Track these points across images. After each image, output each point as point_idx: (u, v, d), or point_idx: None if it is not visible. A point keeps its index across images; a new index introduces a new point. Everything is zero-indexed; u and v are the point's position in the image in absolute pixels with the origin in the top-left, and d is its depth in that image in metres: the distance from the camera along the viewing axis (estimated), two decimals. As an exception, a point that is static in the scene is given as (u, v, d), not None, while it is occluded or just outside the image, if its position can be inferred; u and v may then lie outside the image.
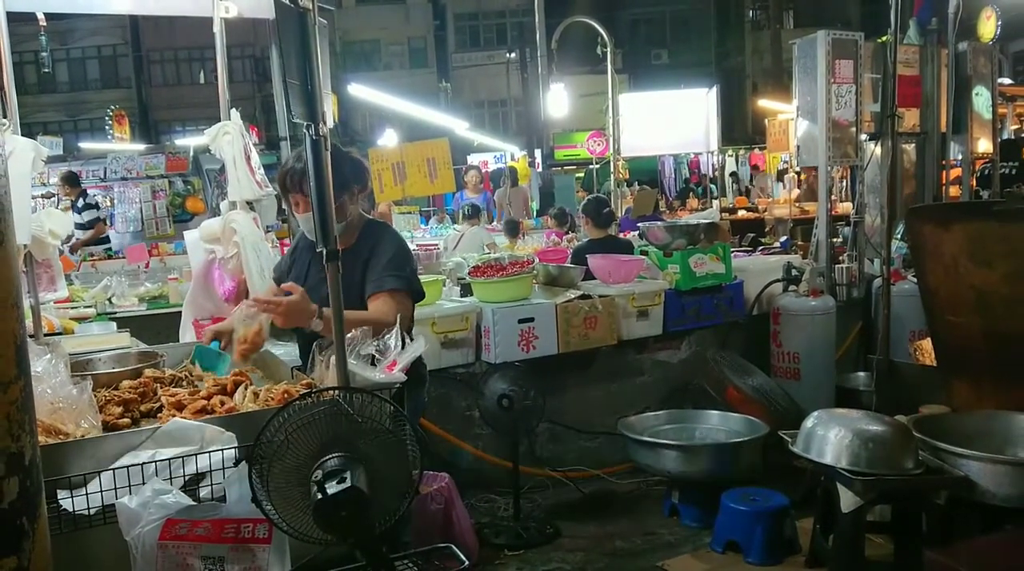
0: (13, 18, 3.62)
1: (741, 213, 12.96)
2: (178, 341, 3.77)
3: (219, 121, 3.90)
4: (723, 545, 3.68)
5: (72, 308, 5.10)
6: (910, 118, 5.98)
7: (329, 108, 2.20)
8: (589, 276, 4.94)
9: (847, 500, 3.05)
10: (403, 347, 2.41)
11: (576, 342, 4.53)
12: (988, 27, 7.61)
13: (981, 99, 6.30)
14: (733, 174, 16.93)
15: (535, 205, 14.68)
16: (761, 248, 7.41)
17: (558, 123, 17.86)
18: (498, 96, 28.72)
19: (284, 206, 3.38)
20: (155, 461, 1.99)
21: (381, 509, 1.86)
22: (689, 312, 4.96)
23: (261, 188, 3.80)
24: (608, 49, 8.98)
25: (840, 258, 5.67)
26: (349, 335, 2.28)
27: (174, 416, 2.22)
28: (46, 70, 19.60)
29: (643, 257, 5.16)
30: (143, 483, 1.96)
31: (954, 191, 6.49)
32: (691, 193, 15.48)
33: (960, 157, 6.39)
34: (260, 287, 3.55)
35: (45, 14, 9.58)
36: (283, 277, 3.10)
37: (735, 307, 5.14)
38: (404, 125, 17.61)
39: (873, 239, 5.71)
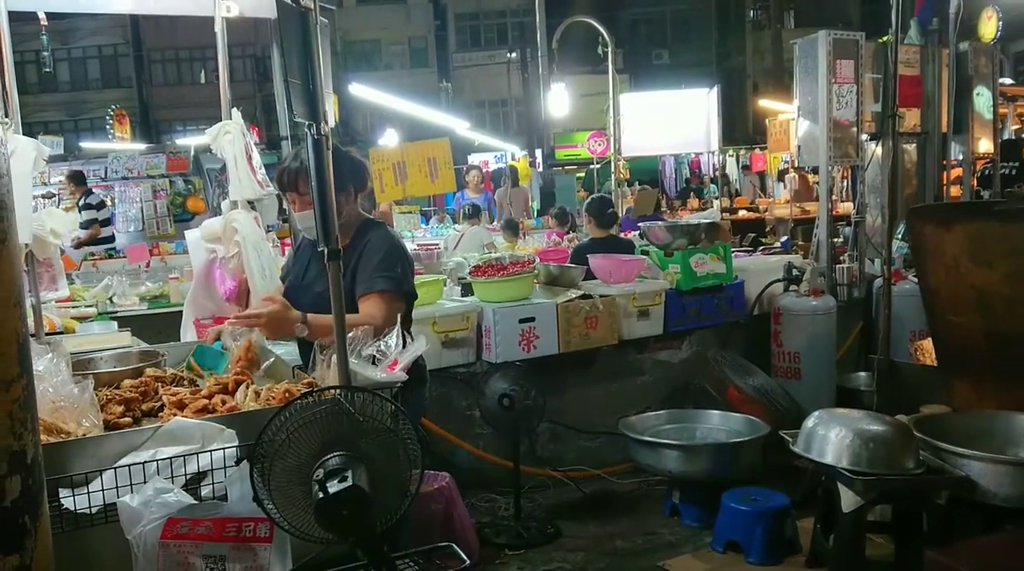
0: (14, 17, 3.62)
1: (742, 213, 12.96)
2: (179, 340, 3.77)
3: (220, 120, 3.90)
4: (724, 545, 3.68)
5: (73, 307, 5.11)
6: (911, 118, 5.98)
7: (330, 107, 2.20)
8: (590, 276, 4.94)
9: (848, 500, 3.05)
10: (404, 346, 2.41)
11: (577, 342, 4.53)
12: (989, 27, 7.62)
13: (982, 99, 6.30)
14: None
15: (536, 205, 14.70)
16: (762, 248, 7.41)
17: (559, 123, 17.86)
18: (499, 96, 28.73)
19: (285, 206, 3.38)
20: (156, 460, 1.99)
21: (382, 508, 1.86)
22: (690, 312, 4.96)
23: (262, 187, 3.80)
24: (609, 49, 8.98)
25: (841, 258, 5.67)
26: (350, 335, 2.28)
27: (175, 415, 2.22)
28: (47, 70, 19.64)
29: (644, 257, 5.16)
30: (144, 482, 1.96)
31: (955, 191, 6.49)
32: (691, 193, 15.49)
33: (961, 157, 6.39)
34: (261, 286, 3.55)
35: (46, 13, 9.61)
36: (286, 276, 3.12)
37: (736, 307, 5.14)
38: (405, 125, 17.61)
39: (874, 239, 5.71)
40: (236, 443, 2.05)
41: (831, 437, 3.13)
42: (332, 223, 2.15)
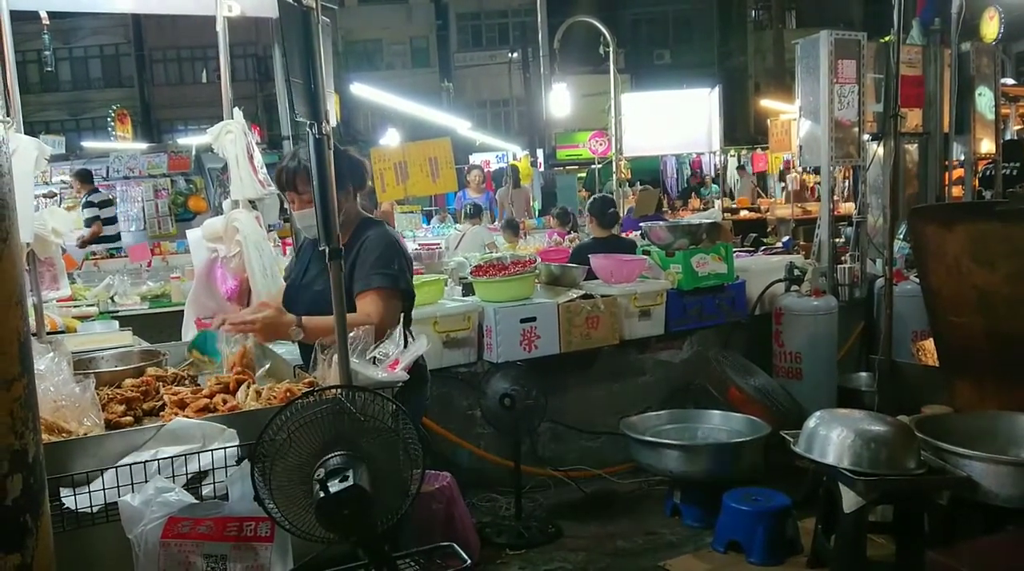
0: (16, 17, 3.62)
1: (743, 213, 12.96)
2: (180, 340, 3.76)
3: (221, 120, 3.90)
4: (725, 545, 3.68)
5: (75, 306, 5.11)
6: (913, 118, 5.97)
7: (332, 107, 2.20)
8: (591, 276, 4.94)
9: (849, 500, 3.05)
10: (405, 346, 2.42)
11: (578, 342, 4.53)
12: (991, 27, 7.62)
13: (984, 99, 6.29)
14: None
15: (537, 205, 14.69)
16: (763, 248, 7.40)
17: (560, 123, 17.84)
18: (500, 96, 28.73)
19: (286, 205, 3.39)
20: (157, 459, 1.99)
21: (383, 508, 1.86)
22: (691, 312, 4.96)
23: (263, 187, 3.79)
24: (610, 49, 8.98)
25: (842, 258, 5.66)
26: (351, 335, 2.28)
27: (176, 414, 2.22)
28: (49, 69, 19.63)
29: (645, 257, 5.16)
30: (145, 481, 1.96)
31: (957, 191, 6.48)
32: (693, 193, 15.48)
33: (963, 157, 6.38)
34: (262, 286, 3.55)
35: (48, 13, 9.62)
36: (288, 275, 3.13)
37: (737, 307, 5.14)
38: (406, 125, 17.62)
39: (875, 239, 5.71)
40: (237, 442, 2.05)
41: (832, 437, 3.13)
42: (333, 222, 2.15)
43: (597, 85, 13.40)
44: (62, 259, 3.82)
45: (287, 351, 3.08)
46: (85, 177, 9.62)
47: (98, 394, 2.30)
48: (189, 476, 2.01)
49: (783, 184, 14.16)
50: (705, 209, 12.58)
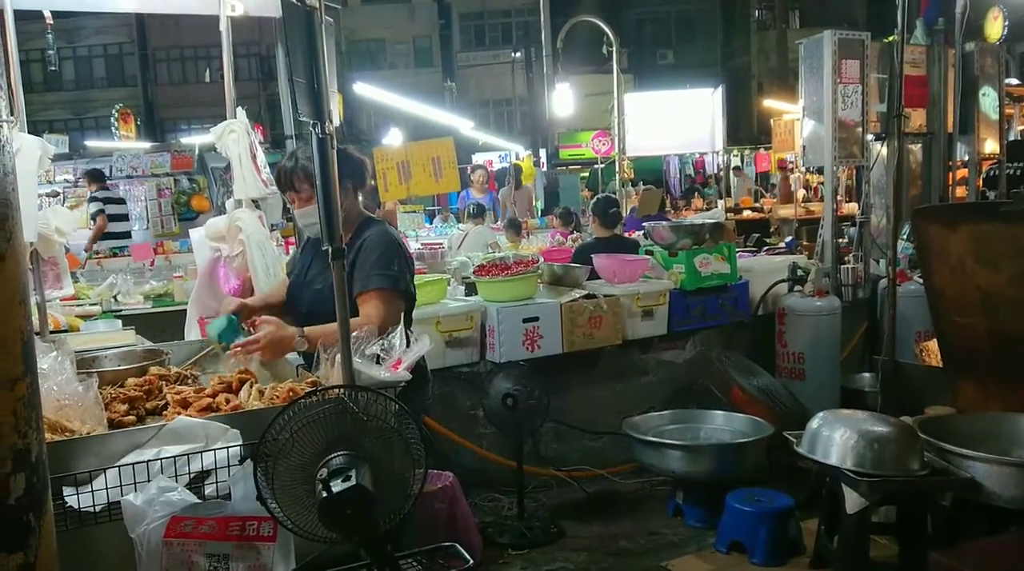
0: (20, 16, 3.63)
1: (746, 213, 12.94)
2: (183, 339, 3.77)
3: (225, 119, 3.91)
4: (727, 545, 3.68)
5: (78, 305, 5.12)
6: (916, 118, 5.96)
7: (335, 106, 2.20)
8: (594, 275, 4.94)
9: (852, 501, 3.04)
10: (408, 345, 2.42)
11: (581, 342, 4.53)
12: (995, 27, 7.61)
13: (988, 100, 6.28)
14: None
15: (540, 204, 14.68)
16: (766, 248, 7.40)
17: (563, 123, 17.83)
18: (503, 95, 28.74)
19: (288, 205, 3.39)
20: (160, 459, 1.99)
21: (386, 507, 1.86)
22: (694, 312, 4.95)
23: (266, 186, 3.80)
24: (614, 49, 8.97)
25: (846, 258, 5.65)
26: (354, 334, 2.28)
27: (179, 414, 2.23)
28: (52, 68, 19.62)
29: (648, 257, 5.15)
30: (148, 480, 1.96)
31: (960, 192, 6.47)
32: (696, 193, 15.46)
33: (967, 158, 6.37)
34: (265, 285, 3.56)
35: (52, 12, 9.63)
36: (291, 272, 3.14)
37: (740, 307, 5.14)
38: (409, 124, 17.63)
39: (879, 240, 5.70)
40: (240, 442, 2.06)
41: (835, 438, 3.12)
42: (336, 222, 2.15)
43: (600, 85, 13.38)
44: (65, 258, 3.83)
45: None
46: (96, 176, 9.67)
47: (101, 393, 2.30)
48: (192, 475, 2.01)
49: (774, 183, 14.13)
50: (708, 209, 12.57)
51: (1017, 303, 3.58)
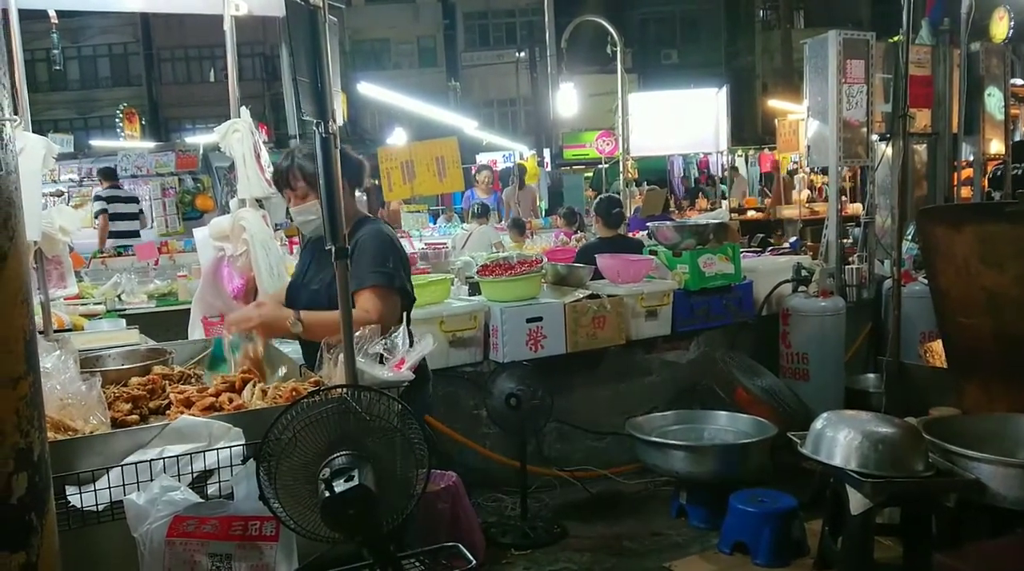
0: (25, 15, 3.63)
1: (750, 213, 12.92)
2: (187, 338, 3.77)
3: (229, 119, 3.91)
4: (731, 546, 3.67)
5: (82, 305, 5.13)
6: (921, 118, 5.95)
7: (339, 106, 2.20)
8: (598, 276, 4.93)
9: (856, 502, 3.03)
10: (411, 345, 2.41)
11: (584, 342, 4.52)
12: (1000, 28, 7.57)
13: (993, 100, 6.26)
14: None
15: (544, 204, 14.68)
16: (770, 248, 7.39)
17: (567, 123, 17.82)
18: (507, 95, 28.72)
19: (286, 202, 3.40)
20: (163, 458, 1.99)
21: (389, 507, 1.85)
22: (698, 312, 4.95)
23: (270, 186, 3.79)
24: (618, 49, 8.95)
25: (850, 259, 5.64)
26: (357, 334, 2.28)
27: (182, 413, 2.23)
28: (57, 68, 19.73)
29: (652, 257, 5.14)
30: (151, 480, 1.96)
31: (965, 192, 6.45)
32: (700, 193, 15.45)
33: (972, 158, 6.35)
34: (268, 285, 3.56)
35: (57, 12, 9.65)
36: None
37: (744, 307, 5.13)
38: (413, 124, 17.63)
39: (883, 240, 5.69)
40: (243, 441, 2.05)
41: (840, 439, 3.11)
42: (339, 222, 2.15)
43: (604, 85, 13.37)
44: (69, 257, 3.83)
45: (292, 349, 3.09)
46: (108, 174, 9.73)
47: (104, 392, 2.31)
48: (194, 475, 2.01)
49: (771, 184, 14.10)
50: (712, 209, 12.55)
51: (1022, 304, 3.56)
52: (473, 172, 10.59)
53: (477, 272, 4.82)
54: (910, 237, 5.45)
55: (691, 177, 17.71)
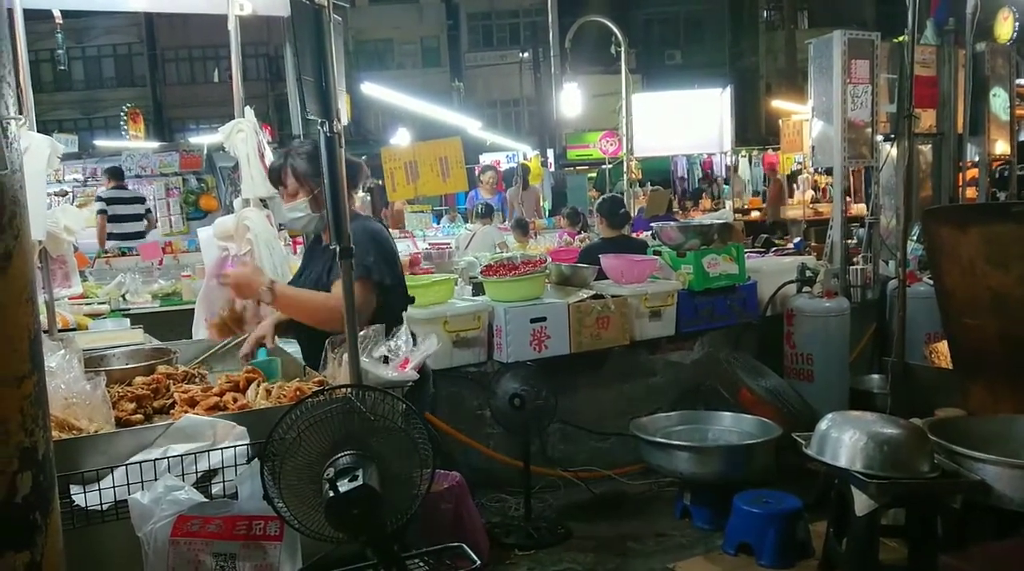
0: (30, 16, 3.64)
1: (755, 214, 12.91)
2: (191, 338, 3.78)
3: (233, 119, 3.92)
4: (735, 547, 3.66)
5: (86, 304, 5.14)
6: (927, 119, 5.93)
7: (343, 106, 2.20)
8: (602, 276, 4.92)
9: (861, 503, 3.02)
10: (415, 345, 2.41)
11: (588, 342, 4.52)
12: (1005, 28, 7.55)
13: (999, 100, 6.24)
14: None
15: (547, 205, 14.67)
16: (774, 249, 7.38)
17: (571, 123, 17.83)
18: (511, 96, 28.73)
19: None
20: (167, 457, 1.99)
21: (393, 507, 1.85)
22: (702, 313, 4.93)
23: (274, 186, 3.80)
24: (622, 49, 8.95)
25: (855, 259, 5.63)
26: (361, 333, 2.28)
27: (186, 412, 2.23)
28: (62, 68, 19.76)
29: (656, 257, 5.14)
30: (155, 479, 1.96)
31: (970, 192, 6.43)
32: (702, 193, 15.44)
33: (977, 158, 6.33)
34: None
35: (61, 12, 9.67)
36: None
37: (748, 308, 5.11)
38: (417, 124, 17.64)
39: (888, 241, 5.67)
40: (247, 441, 2.05)
41: (845, 440, 3.10)
42: (344, 221, 2.15)
43: (608, 85, 13.37)
44: (74, 257, 3.84)
45: (296, 349, 3.09)
46: (113, 174, 9.74)
47: (108, 392, 2.31)
48: (199, 474, 2.01)
49: (796, 185, 14.08)
50: (716, 210, 12.54)
51: (1028, 305, 3.55)
52: (477, 173, 10.58)
53: (481, 272, 4.81)
54: (915, 238, 5.43)
55: (694, 177, 17.70)
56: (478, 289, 4.91)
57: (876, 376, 5.18)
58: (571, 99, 9.47)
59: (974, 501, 3.07)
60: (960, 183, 6.18)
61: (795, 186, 14.20)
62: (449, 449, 4.27)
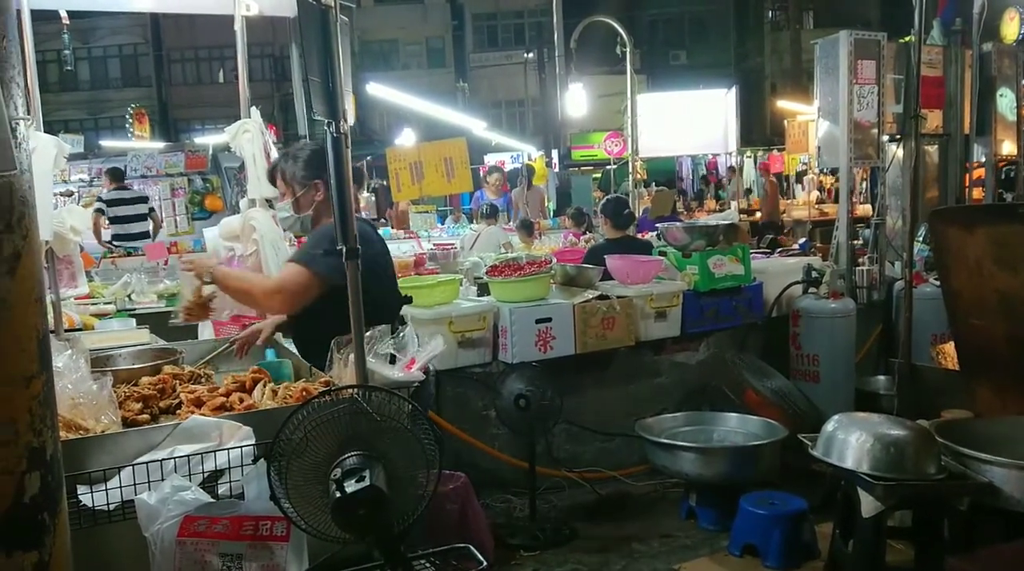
0: (36, 16, 3.65)
1: (758, 214, 12.89)
2: (197, 338, 3.79)
3: (238, 120, 3.92)
4: (741, 549, 3.65)
5: (92, 304, 5.15)
6: (933, 119, 5.91)
7: (350, 106, 2.21)
8: (607, 276, 4.92)
9: (868, 505, 3.01)
10: (419, 345, 2.41)
11: (593, 343, 4.51)
12: (1011, 28, 7.52)
13: (1005, 101, 6.22)
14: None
15: (552, 205, 14.67)
16: (779, 250, 7.36)
17: (575, 123, 17.82)
18: (515, 96, 28.73)
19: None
20: (174, 457, 1.99)
21: (399, 508, 1.85)
22: (707, 313, 4.93)
23: (280, 186, 3.81)
24: (627, 49, 8.94)
25: (860, 260, 5.61)
26: (368, 333, 2.28)
27: (193, 412, 2.23)
28: (68, 68, 19.82)
29: (662, 258, 5.13)
30: (162, 479, 1.96)
31: (977, 193, 6.41)
32: (707, 194, 15.44)
33: (983, 159, 6.31)
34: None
35: (68, 13, 9.70)
36: None
37: (754, 309, 5.10)
38: (422, 125, 17.64)
39: (894, 241, 5.65)
40: (253, 441, 2.06)
41: (851, 441, 3.09)
42: (350, 221, 2.15)
43: (613, 85, 13.36)
44: (80, 257, 3.85)
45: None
46: (114, 175, 9.75)
47: (115, 392, 2.31)
48: (205, 474, 2.01)
49: (801, 185, 14.05)
50: (721, 210, 12.53)
51: (1035, 306, 3.54)
52: (483, 174, 10.60)
53: (486, 273, 4.81)
54: (921, 239, 5.41)
55: (697, 178, 17.69)
56: (483, 289, 4.91)
57: (882, 377, 5.16)
58: (576, 99, 9.46)
59: (981, 503, 3.05)
60: (967, 184, 6.16)
61: (800, 186, 14.18)
62: (454, 449, 4.27)
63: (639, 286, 4.78)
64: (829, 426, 3.25)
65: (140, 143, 14.16)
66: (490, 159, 17.11)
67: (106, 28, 29.54)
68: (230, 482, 2.03)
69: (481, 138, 16.61)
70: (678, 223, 5.68)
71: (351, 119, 2.20)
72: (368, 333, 2.28)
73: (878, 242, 5.62)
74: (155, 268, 6.92)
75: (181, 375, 2.62)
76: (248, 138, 3.83)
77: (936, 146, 6.13)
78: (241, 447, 2.04)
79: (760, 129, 26.07)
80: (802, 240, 8.49)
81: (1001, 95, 6.17)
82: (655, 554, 3.81)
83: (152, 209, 10.08)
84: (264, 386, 2.44)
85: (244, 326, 3.39)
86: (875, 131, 5.43)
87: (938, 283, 4.34)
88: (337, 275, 2.90)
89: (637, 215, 7.87)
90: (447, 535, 3.18)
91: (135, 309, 5.35)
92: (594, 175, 19.57)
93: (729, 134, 9.62)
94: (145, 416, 2.33)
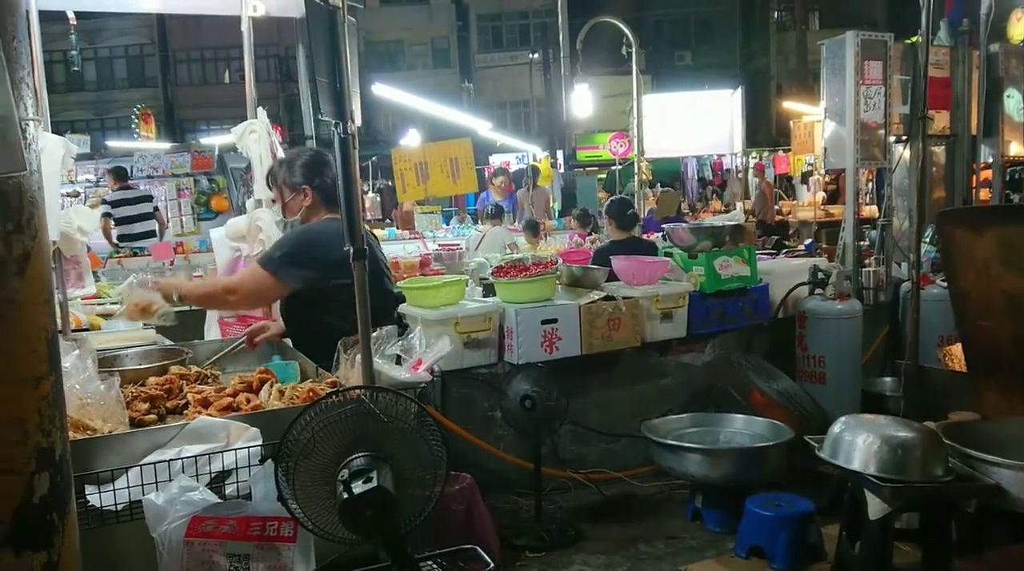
0: (43, 17, 3.66)
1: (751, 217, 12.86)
2: (203, 338, 3.79)
3: (243, 120, 3.93)
4: (747, 550, 3.64)
5: (99, 304, 5.15)
6: (940, 120, 5.89)
7: (357, 106, 2.21)
8: (613, 277, 4.91)
9: (875, 507, 3.00)
10: (425, 346, 2.41)
11: (599, 344, 4.50)
12: (1018, 29, 7.50)
13: (1013, 102, 6.20)
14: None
15: (557, 206, 14.67)
16: (785, 251, 7.35)
17: (580, 124, 17.78)
18: (521, 97, 28.74)
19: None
20: (181, 458, 2.00)
21: (406, 509, 1.85)
22: (713, 315, 4.92)
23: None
24: (633, 50, 8.94)
25: (867, 261, 5.60)
26: (374, 334, 2.28)
27: (200, 413, 2.23)
28: (75, 69, 19.87)
29: (667, 259, 5.12)
30: (169, 480, 1.96)
31: (984, 194, 6.39)
32: (713, 194, 15.42)
33: (991, 160, 6.30)
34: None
35: (75, 13, 9.73)
36: None
37: (760, 310, 5.09)
38: (427, 125, 17.66)
39: (901, 243, 5.64)
40: (260, 442, 2.06)
41: (858, 443, 3.08)
42: (357, 222, 2.15)
43: (618, 86, 13.37)
44: (87, 257, 3.86)
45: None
46: (117, 175, 9.77)
47: (122, 392, 2.32)
48: (213, 475, 2.01)
49: (806, 186, 14.02)
50: (726, 211, 12.51)
51: (1043, 308, 3.53)
52: (488, 175, 10.60)
53: (492, 273, 4.81)
54: (928, 240, 5.40)
55: (703, 178, 17.67)
56: (489, 290, 4.91)
57: (889, 379, 5.15)
58: (581, 100, 9.46)
59: (989, 505, 3.04)
60: (974, 185, 6.14)
61: (806, 187, 14.13)
62: (460, 450, 4.27)
63: (645, 287, 4.77)
64: (836, 428, 3.24)
65: (146, 143, 14.21)
66: (495, 160, 17.13)
67: (113, 29, 29.64)
68: (237, 483, 2.03)
69: (486, 139, 16.61)
70: (684, 224, 5.66)
71: (358, 120, 2.21)
72: (375, 334, 2.28)
73: (885, 243, 5.61)
74: (161, 268, 6.94)
75: (188, 375, 2.62)
76: (254, 138, 3.84)
77: (943, 147, 6.12)
78: (248, 448, 2.05)
79: (766, 130, 26.05)
80: (808, 241, 8.48)
81: (1008, 96, 6.15)
82: (661, 555, 3.81)
83: (156, 208, 10.10)
84: (271, 386, 2.44)
85: (249, 325, 3.41)
86: (882, 132, 5.42)
87: (945, 284, 4.32)
88: (293, 272, 2.95)
89: (642, 216, 7.87)
90: (453, 536, 3.18)
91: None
92: (599, 176, 19.56)
93: (735, 135, 9.64)
94: (152, 416, 2.33)
